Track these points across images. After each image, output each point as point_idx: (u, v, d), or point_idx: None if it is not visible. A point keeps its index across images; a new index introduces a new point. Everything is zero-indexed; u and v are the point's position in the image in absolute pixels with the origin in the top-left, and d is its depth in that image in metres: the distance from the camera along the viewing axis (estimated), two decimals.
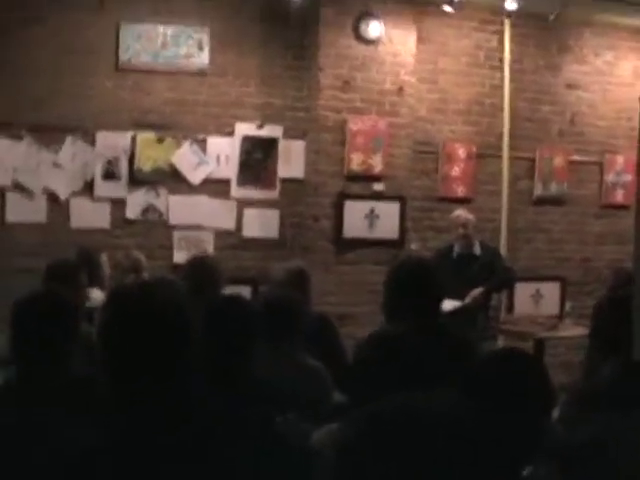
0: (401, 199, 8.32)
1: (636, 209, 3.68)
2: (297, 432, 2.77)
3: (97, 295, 6.07)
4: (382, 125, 8.22)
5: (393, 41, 8.23)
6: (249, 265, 8.00)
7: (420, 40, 8.48)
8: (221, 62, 8.05)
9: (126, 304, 2.11)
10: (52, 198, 7.55)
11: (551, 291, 8.78)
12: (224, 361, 3.38)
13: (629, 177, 9.55)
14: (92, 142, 7.65)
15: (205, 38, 7.96)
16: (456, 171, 8.86)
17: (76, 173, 7.60)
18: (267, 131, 8.19)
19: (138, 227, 7.84)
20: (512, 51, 9.01)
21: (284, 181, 8.27)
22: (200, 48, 7.96)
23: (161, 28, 7.83)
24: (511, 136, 9.02)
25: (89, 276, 5.88)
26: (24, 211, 7.45)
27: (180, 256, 7.66)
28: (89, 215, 7.66)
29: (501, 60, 8.99)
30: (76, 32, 7.58)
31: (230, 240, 8.12)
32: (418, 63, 8.46)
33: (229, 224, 8.12)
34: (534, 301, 8.69)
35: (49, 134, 7.48)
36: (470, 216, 7.91)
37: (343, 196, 8.12)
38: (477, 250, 7.86)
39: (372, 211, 8.20)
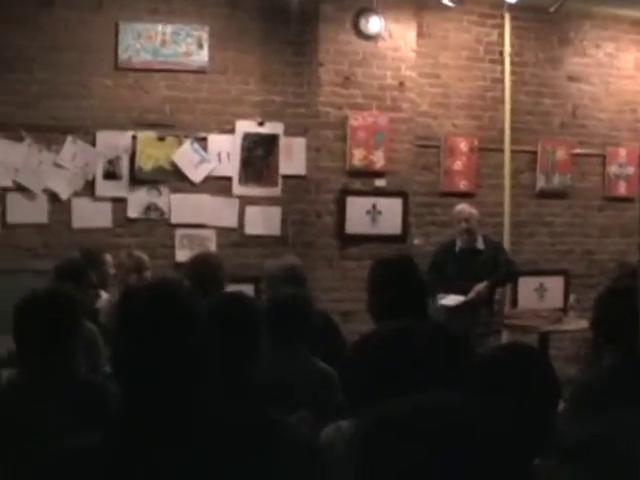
0: (403, 194, 8.30)
1: None
2: (306, 430, 2.75)
3: (101, 296, 6.08)
4: (383, 120, 8.20)
5: (393, 36, 8.20)
6: (252, 263, 7.98)
7: (420, 35, 8.46)
8: (221, 60, 8.04)
9: (143, 302, 2.08)
10: (53, 198, 7.54)
11: (555, 284, 8.80)
12: (228, 360, 3.36)
13: (632, 169, 9.54)
14: (93, 142, 7.64)
15: (204, 36, 7.95)
16: (458, 165, 8.84)
17: (77, 173, 7.59)
18: (268, 128, 8.17)
19: (140, 226, 7.82)
20: (513, 44, 8.99)
21: (286, 178, 8.25)
22: (199, 46, 7.94)
23: (160, 26, 7.81)
24: (513, 129, 9.00)
25: (93, 276, 5.89)
26: (25, 212, 7.44)
27: (182, 254, 7.65)
28: (90, 215, 7.65)
29: (502, 53, 8.97)
30: (75, 31, 7.57)
31: (232, 238, 8.11)
32: (419, 58, 8.43)
33: (231, 222, 8.11)
34: (538, 295, 8.70)
35: (49, 134, 7.48)
36: (473, 210, 7.89)
37: (345, 192, 8.10)
38: (480, 244, 7.84)
39: (374, 207, 8.18)
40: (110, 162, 7.69)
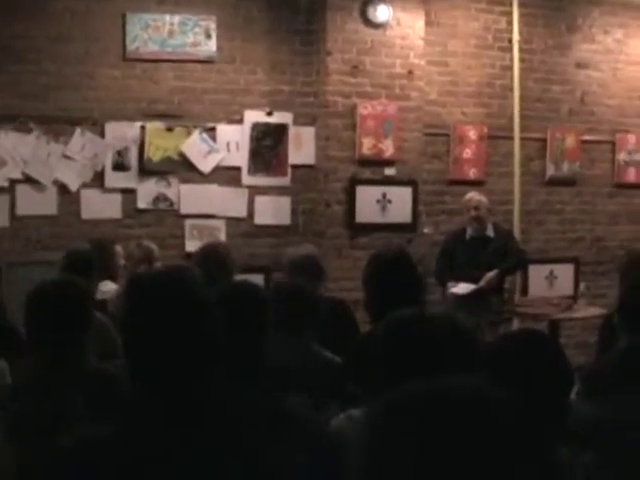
0: (413, 183, 8.29)
1: None
2: (316, 417, 2.75)
3: (110, 287, 6.07)
4: (392, 109, 8.18)
5: (401, 24, 8.18)
6: (261, 252, 7.99)
7: (428, 23, 8.43)
8: (229, 49, 8.03)
9: (152, 288, 2.08)
10: (62, 190, 7.55)
11: (565, 272, 8.77)
12: (236, 349, 3.36)
13: None
14: (101, 133, 7.64)
15: (212, 26, 7.93)
16: (467, 153, 8.82)
17: (86, 164, 7.60)
18: (277, 118, 8.16)
19: (149, 217, 7.83)
20: (521, 32, 8.96)
21: (295, 168, 8.25)
22: (207, 36, 7.93)
23: (168, 17, 7.80)
24: (522, 117, 8.98)
25: (103, 267, 5.89)
26: (35, 203, 7.45)
27: (192, 245, 7.64)
28: (100, 206, 7.65)
29: (510, 41, 8.94)
30: (83, 22, 7.57)
31: (242, 228, 8.11)
32: (427, 46, 8.41)
33: (241, 212, 8.11)
34: (548, 282, 8.68)
35: (58, 126, 7.48)
36: (482, 198, 7.88)
37: (354, 181, 8.09)
38: (490, 232, 7.83)
39: (384, 196, 8.17)
40: (119, 153, 7.69)
